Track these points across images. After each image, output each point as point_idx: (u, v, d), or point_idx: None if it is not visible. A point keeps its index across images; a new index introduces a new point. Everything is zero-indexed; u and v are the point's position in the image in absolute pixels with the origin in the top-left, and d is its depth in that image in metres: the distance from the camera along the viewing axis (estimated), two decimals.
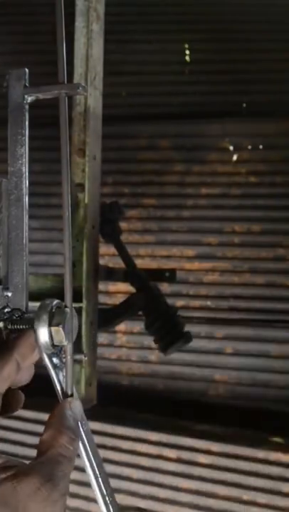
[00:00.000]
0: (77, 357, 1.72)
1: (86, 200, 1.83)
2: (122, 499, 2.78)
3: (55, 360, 0.75)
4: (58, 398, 0.76)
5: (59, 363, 0.75)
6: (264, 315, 3.07)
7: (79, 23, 1.87)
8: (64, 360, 0.75)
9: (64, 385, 0.75)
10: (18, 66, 0.73)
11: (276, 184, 3.11)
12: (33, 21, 3.45)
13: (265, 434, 2.78)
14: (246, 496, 2.64)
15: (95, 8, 1.88)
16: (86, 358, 1.78)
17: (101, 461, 0.77)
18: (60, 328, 0.71)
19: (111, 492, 0.77)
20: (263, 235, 3.11)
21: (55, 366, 0.75)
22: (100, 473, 0.76)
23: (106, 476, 0.76)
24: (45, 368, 0.76)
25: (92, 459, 0.76)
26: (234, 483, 2.66)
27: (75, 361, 1.76)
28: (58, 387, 0.75)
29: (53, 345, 0.73)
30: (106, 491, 0.76)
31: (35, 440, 2.95)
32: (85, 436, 0.75)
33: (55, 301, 0.72)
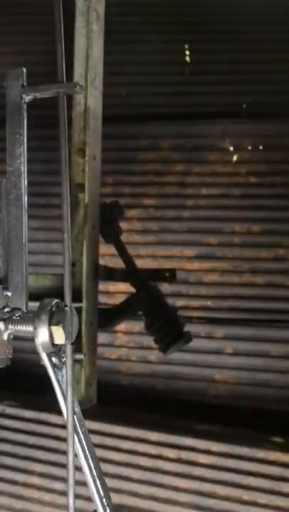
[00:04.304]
0: (77, 357, 1.72)
1: (86, 200, 1.84)
2: (122, 499, 2.78)
3: (54, 359, 0.75)
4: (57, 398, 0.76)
5: (58, 362, 0.75)
6: (264, 315, 3.07)
7: (79, 23, 1.87)
8: (63, 359, 0.75)
9: (63, 385, 0.75)
10: (17, 66, 0.73)
11: (276, 185, 3.11)
12: (33, 21, 3.45)
13: (265, 434, 2.78)
14: (246, 495, 2.64)
15: (95, 9, 1.88)
16: (86, 358, 1.79)
17: (98, 463, 0.78)
18: (60, 327, 0.71)
19: (107, 493, 0.77)
20: (263, 236, 3.10)
21: (54, 365, 0.75)
22: (96, 474, 0.76)
23: (102, 476, 0.77)
24: (45, 368, 0.76)
25: (90, 460, 0.76)
26: (234, 483, 2.66)
27: (75, 361, 1.76)
28: (57, 387, 0.75)
29: (53, 345, 0.73)
30: (103, 492, 0.77)
31: (35, 440, 2.95)
32: (83, 437, 0.75)
33: (55, 301, 0.73)
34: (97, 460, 0.78)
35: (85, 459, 0.76)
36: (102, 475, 0.77)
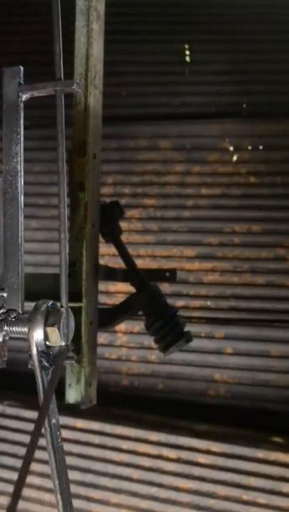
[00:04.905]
0: (69, 362, 1.70)
1: (86, 199, 1.83)
2: (122, 500, 2.78)
3: (44, 360, 0.74)
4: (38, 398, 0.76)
5: (48, 365, 0.75)
6: (264, 315, 3.06)
7: (79, 22, 1.87)
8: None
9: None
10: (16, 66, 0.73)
11: (276, 184, 3.11)
12: (33, 21, 3.45)
13: (265, 434, 2.78)
14: (246, 495, 2.64)
15: (95, 8, 1.88)
16: (85, 358, 1.78)
17: (68, 478, 0.77)
18: (56, 328, 0.70)
19: (67, 481, 0.77)
20: (263, 236, 3.10)
21: (43, 368, 0.74)
22: (65, 489, 0.76)
23: (70, 492, 0.77)
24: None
25: (63, 477, 0.76)
26: (234, 483, 2.66)
27: (70, 364, 1.76)
28: (41, 388, 0.75)
29: (47, 346, 0.73)
30: (62, 477, 0.77)
31: None
32: (58, 450, 0.75)
33: (50, 302, 0.72)
34: (68, 477, 0.77)
35: (57, 476, 0.76)
36: (69, 488, 0.77)
